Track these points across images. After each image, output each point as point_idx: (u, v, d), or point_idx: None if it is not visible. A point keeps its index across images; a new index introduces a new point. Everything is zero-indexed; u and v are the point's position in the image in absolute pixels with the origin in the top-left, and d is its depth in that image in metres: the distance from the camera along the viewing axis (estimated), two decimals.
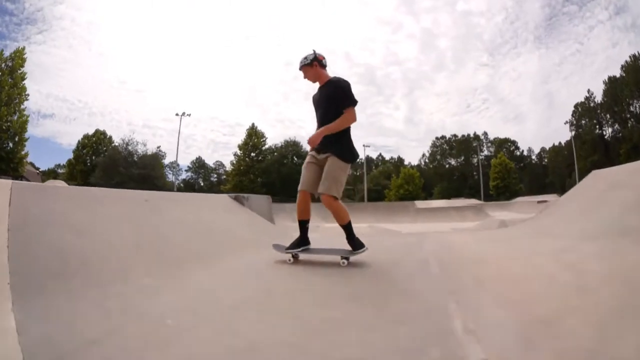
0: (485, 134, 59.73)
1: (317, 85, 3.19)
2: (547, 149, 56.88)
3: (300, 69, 3.10)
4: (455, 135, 60.85)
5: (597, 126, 46.44)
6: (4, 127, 26.57)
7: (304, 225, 3.16)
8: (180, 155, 78.98)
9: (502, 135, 59.85)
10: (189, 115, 39.93)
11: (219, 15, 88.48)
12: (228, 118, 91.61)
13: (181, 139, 54.22)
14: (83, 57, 67.54)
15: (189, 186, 61.02)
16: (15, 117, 27.45)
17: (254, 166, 47.79)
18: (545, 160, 56.85)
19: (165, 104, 77.82)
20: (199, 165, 65.50)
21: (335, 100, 2.94)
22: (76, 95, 73.87)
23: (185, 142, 75.65)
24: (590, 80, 67.50)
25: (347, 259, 2.93)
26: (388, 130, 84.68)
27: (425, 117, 79.75)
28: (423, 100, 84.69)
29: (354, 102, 2.92)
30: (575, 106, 48.77)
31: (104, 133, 48.41)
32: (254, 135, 50.01)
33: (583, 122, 47.63)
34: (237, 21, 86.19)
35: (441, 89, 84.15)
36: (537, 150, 59.77)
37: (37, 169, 44.72)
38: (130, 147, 43.94)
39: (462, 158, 59.21)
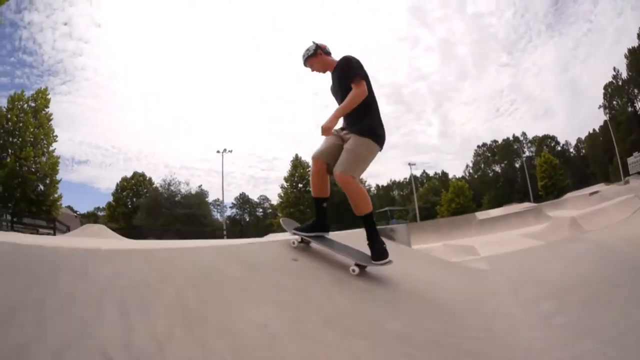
0: (524, 134, 59.36)
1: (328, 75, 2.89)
2: (583, 138, 55.98)
3: (305, 63, 2.86)
4: (495, 141, 60.72)
5: (629, 104, 45.16)
6: (32, 169, 26.03)
7: (320, 204, 2.74)
8: (235, 186, 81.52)
9: (536, 134, 59.52)
10: (230, 151, 39.38)
11: (241, 52, 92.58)
12: (265, 153, 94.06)
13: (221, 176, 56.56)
14: (111, 105, 70.18)
15: (235, 223, 61.18)
16: (45, 159, 26.84)
17: (302, 197, 46.77)
18: (583, 150, 55.69)
19: (201, 144, 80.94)
20: (243, 201, 65.23)
21: (345, 80, 2.62)
22: (109, 142, 75.78)
23: (225, 180, 77.86)
24: (607, 57, 65.20)
25: (361, 267, 2.43)
26: (423, 146, 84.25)
27: (458, 128, 79.80)
28: (453, 111, 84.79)
29: (359, 74, 2.57)
30: (605, 87, 47.88)
31: (143, 175, 48.33)
32: (299, 166, 49.48)
33: (615, 103, 46.44)
34: (262, 56, 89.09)
35: (469, 97, 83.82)
36: (573, 142, 58.67)
37: (76, 212, 44.56)
38: (172, 187, 43.23)
39: (505, 163, 58.78)
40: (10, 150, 25.99)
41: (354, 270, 2.40)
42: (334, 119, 2.54)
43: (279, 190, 49.31)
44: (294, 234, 2.69)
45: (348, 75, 2.60)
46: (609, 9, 62.61)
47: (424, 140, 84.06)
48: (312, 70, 2.89)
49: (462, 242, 10.25)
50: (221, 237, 21.94)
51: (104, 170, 70.71)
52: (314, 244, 2.70)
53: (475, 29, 79.64)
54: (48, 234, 16.51)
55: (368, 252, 2.53)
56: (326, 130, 2.52)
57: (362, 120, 2.61)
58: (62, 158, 29.54)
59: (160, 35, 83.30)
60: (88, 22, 73.14)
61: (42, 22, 51.20)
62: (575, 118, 76.06)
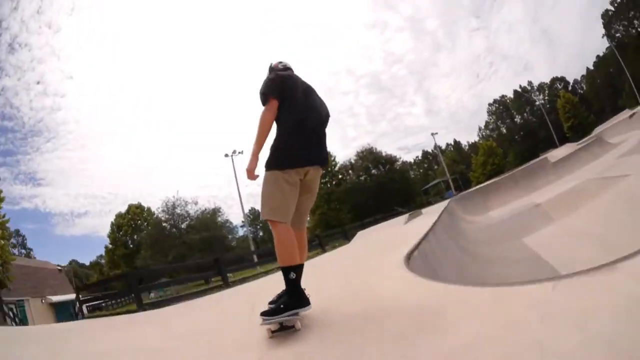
0: (530, 82, 58.51)
1: None
2: (580, 78, 55.55)
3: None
4: (503, 96, 59.62)
5: (631, 27, 44.90)
6: None
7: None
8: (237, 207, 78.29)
9: (542, 80, 58.80)
10: (241, 152, 30.07)
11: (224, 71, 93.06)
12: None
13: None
14: (99, 152, 70.36)
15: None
16: None
17: (332, 193, 41.91)
18: (584, 87, 55.00)
19: (200, 170, 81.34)
20: (254, 217, 60.61)
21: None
22: (104, 189, 75.65)
23: (225, 202, 77.40)
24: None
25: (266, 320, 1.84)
26: (412, 128, 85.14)
27: (443, 102, 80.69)
28: (434, 87, 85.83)
29: (268, 93, 2.15)
30: (602, 16, 47.72)
31: (139, 206, 40.63)
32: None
33: (614, 29, 46.26)
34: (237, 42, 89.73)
35: (447, 69, 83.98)
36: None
37: (58, 265, 35.27)
38: (178, 210, 34.34)
39: (522, 116, 57.89)
40: None
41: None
42: (252, 158, 2.11)
43: None
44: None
45: (261, 101, 2.19)
46: None
47: (412, 122, 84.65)
48: None
49: (552, 194, 7.86)
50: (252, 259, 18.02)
51: (105, 217, 70.97)
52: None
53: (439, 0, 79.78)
54: None
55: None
56: (249, 173, 2.12)
57: (272, 150, 2.13)
58: (60, 214, 27.43)
59: (137, 70, 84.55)
60: (60, 76, 73.77)
61: (16, 86, 51.83)
62: (555, 66, 76.89)
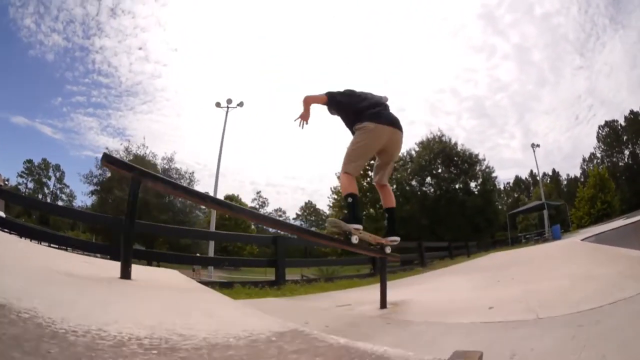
0: None
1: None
2: None
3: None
4: (614, 122, 48.02)
5: None
6: None
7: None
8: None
9: None
10: (240, 104, 24.86)
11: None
12: None
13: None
14: (193, 123, 71.41)
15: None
16: None
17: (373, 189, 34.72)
18: None
19: (285, 160, 78.98)
20: (309, 212, 53.23)
21: None
22: (193, 158, 72.88)
23: (312, 197, 71.90)
24: None
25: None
26: (507, 161, 79.74)
27: (540, 140, 72.47)
28: (534, 122, 77.97)
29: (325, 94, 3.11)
30: None
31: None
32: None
33: None
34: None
35: (548, 106, 77.36)
36: None
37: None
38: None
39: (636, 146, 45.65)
40: None
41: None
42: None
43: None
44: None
45: None
46: None
47: (509, 155, 78.27)
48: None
49: None
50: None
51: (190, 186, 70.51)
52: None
53: (546, 30, 74.39)
54: None
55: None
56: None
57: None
58: None
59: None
60: (164, 47, 74.85)
61: (115, 47, 54.02)
62: None
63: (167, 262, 8.51)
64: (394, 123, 2.89)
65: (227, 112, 24.28)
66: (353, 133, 2.90)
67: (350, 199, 2.71)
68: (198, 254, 17.20)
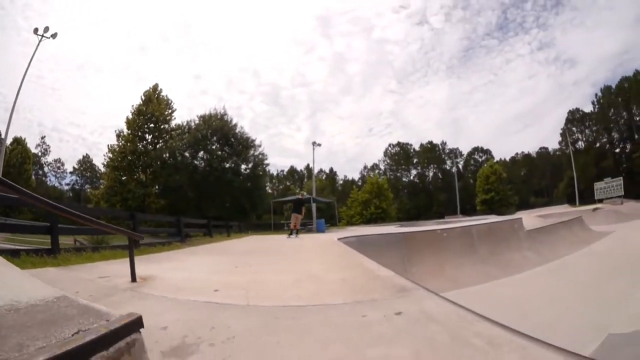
0: (444, 142, 55.89)
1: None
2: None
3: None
4: (408, 145, 55.95)
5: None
6: None
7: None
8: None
9: (455, 146, 57.68)
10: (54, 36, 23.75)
11: None
12: None
13: None
14: None
15: (76, 194, 50.99)
16: None
17: (147, 153, 32.11)
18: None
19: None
20: (85, 166, 52.97)
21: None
22: None
23: None
24: (502, 107, 72.53)
25: None
26: (288, 150, 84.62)
27: (327, 139, 79.64)
28: (326, 122, 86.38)
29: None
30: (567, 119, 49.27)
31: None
32: (155, 100, 33.37)
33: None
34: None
35: (346, 112, 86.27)
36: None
37: None
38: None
39: (430, 169, 54.99)
40: None
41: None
42: None
43: None
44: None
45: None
46: (522, 70, 67.91)
47: (290, 145, 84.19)
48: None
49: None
50: None
51: None
52: None
53: (375, 52, 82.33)
54: None
55: None
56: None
57: None
58: None
59: None
60: None
61: None
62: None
63: None
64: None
65: (39, 41, 22.94)
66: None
67: None
68: None
